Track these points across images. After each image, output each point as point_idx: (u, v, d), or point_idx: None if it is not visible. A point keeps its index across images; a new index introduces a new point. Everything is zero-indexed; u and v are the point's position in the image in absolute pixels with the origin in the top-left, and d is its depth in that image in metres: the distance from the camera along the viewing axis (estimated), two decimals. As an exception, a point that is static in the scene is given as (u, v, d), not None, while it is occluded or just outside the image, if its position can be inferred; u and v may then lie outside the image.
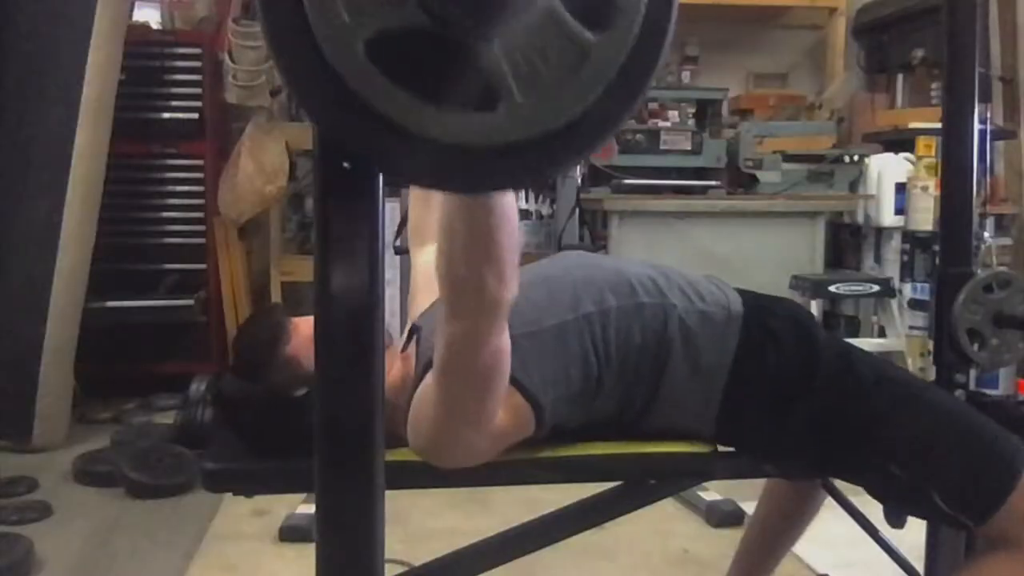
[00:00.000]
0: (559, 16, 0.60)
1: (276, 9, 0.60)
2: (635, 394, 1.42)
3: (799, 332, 1.47)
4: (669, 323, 1.41)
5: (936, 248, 3.39)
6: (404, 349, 1.48)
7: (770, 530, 1.88)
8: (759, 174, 4.30)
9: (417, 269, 1.64)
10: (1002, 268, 3.29)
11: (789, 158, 4.31)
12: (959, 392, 1.64)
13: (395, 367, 1.42)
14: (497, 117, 0.61)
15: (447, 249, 0.92)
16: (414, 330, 1.48)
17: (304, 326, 1.44)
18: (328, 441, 0.81)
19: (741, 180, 4.34)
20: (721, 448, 1.48)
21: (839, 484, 1.66)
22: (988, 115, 3.84)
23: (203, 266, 4.12)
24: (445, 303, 1.00)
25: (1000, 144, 4.67)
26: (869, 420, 1.42)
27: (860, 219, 4.37)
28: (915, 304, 3.95)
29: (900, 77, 4.87)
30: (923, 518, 1.52)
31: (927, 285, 3.88)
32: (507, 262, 0.90)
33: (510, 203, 0.89)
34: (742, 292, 1.51)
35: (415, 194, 1.71)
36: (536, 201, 4.06)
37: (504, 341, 1.06)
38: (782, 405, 1.42)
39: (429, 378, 1.16)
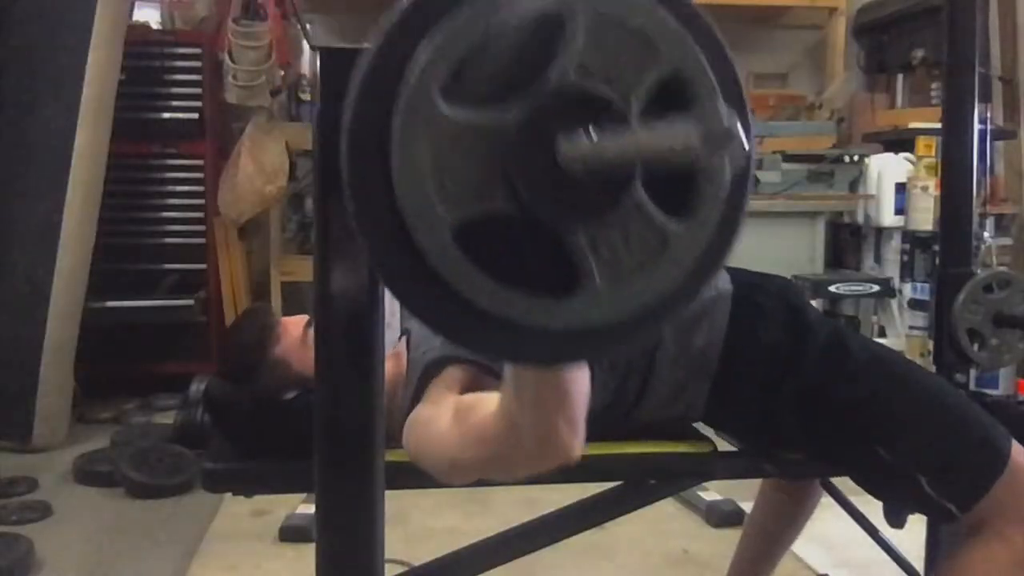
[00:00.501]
0: (645, 207, 0.61)
1: (366, 189, 0.60)
2: (628, 386, 1.41)
3: (789, 309, 1.46)
4: None
5: (936, 248, 3.39)
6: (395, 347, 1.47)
7: (766, 532, 1.87)
8: (759, 174, 4.29)
9: None
10: (1002, 268, 3.29)
11: (789, 158, 4.30)
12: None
13: (387, 367, 1.41)
14: (575, 302, 0.62)
15: (514, 392, 0.87)
16: (404, 331, 1.46)
17: (293, 327, 1.42)
18: (328, 441, 0.81)
19: (741, 180, 4.34)
20: (717, 440, 1.48)
21: (839, 483, 1.66)
22: (988, 115, 3.83)
23: (203, 266, 4.11)
24: (508, 435, 0.93)
25: (1000, 144, 4.66)
26: (858, 399, 1.40)
27: (860, 219, 4.37)
28: (915, 304, 3.94)
29: (900, 77, 4.87)
30: (909, 507, 1.50)
31: (927, 285, 3.88)
32: (578, 408, 0.87)
33: None
34: (731, 270, 1.49)
35: None
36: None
37: None
38: (772, 383, 1.41)
39: (455, 428, 1.06)
